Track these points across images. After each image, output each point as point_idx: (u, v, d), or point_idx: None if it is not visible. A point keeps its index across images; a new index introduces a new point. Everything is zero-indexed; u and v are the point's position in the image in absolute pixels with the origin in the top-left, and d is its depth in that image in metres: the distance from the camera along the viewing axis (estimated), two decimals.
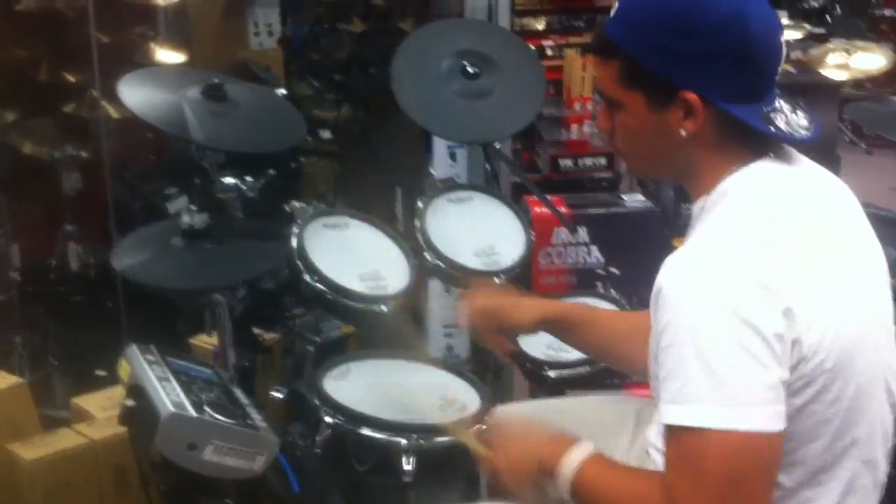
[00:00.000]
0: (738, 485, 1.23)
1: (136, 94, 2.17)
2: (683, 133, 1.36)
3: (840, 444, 1.34)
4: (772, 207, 1.34)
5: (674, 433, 1.27)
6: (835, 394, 1.30)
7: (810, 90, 3.38)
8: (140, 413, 1.82)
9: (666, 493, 1.27)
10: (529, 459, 1.48)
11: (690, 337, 1.24)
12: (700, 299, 1.25)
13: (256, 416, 1.91)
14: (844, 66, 3.80)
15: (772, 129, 1.35)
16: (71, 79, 4.00)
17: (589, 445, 1.43)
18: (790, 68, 3.64)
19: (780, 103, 1.39)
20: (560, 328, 1.83)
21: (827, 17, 4.81)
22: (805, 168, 1.44)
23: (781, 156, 1.41)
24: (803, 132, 1.38)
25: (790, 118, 1.38)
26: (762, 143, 1.39)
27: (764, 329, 1.22)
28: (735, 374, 1.22)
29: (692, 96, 1.34)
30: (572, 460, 1.40)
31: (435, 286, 2.85)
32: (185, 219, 2.14)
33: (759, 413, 1.22)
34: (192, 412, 1.77)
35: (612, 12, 1.42)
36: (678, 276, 1.29)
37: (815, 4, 4.89)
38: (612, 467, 1.41)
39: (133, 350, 1.96)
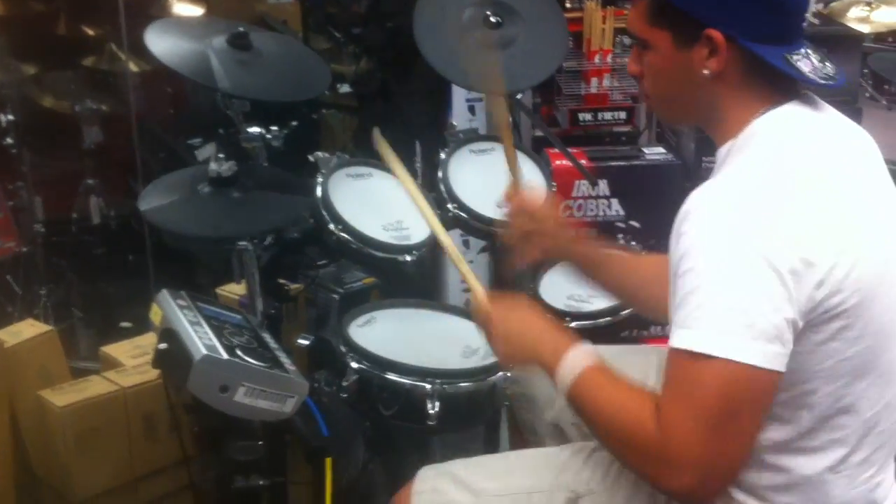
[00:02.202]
0: (730, 416, 1.25)
1: (161, 43, 2.18)
2: (706, 72, 1.38)
3: (860, 384, 1.36)
4: (799, 150, 1.36)
5: (677, 356, 1.28)
6: (857, 332, 1.32)
7: (833, 41, 3.35)
8: (173, 357, 1.85)
9: (658, 414, 1.29)
10: (528, 347, 1.52)
11: (708, 265, 1.26)
12: (722, 230, 1.27)
13: (286, 360, 1.95)
14: (866, 20, 3.78)
15: (796, 71, 1.36)
16: (90, 32, 4.01)
17: (590, 349, 1.45)
18: (813, 19, 3.62)
19: (808, 51, 1.40)
20: (588, 262, 1.85)
21: None
22: (830, 114, 1.46)
23: (807, 101, 1.42)
24: (828, 80, 1.39)
25: (816, 66, 1.39)
26: (787, 88, 1.40)
27: (782, 267, 1.24)
28: (745, 307, 1.24)
29: (716, 34, 1.35)
30: (575, 365, 1.42)
31: (455, 238, 2.87)
32: (213, 166, 2.16)
33: (762, 349, 1.24)
34: (224, 355, 1.80)
35: None
36: (703, 206, 1.30)
37: None
38: (611, 379, 1.41)
39: (164, 295, 1.99)
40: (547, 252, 1.85)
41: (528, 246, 1.84)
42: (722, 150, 1.43)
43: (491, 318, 1.60)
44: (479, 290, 1.68)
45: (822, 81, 1.38)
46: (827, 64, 1.42)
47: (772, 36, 1.37)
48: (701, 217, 1.29)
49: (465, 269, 1.75)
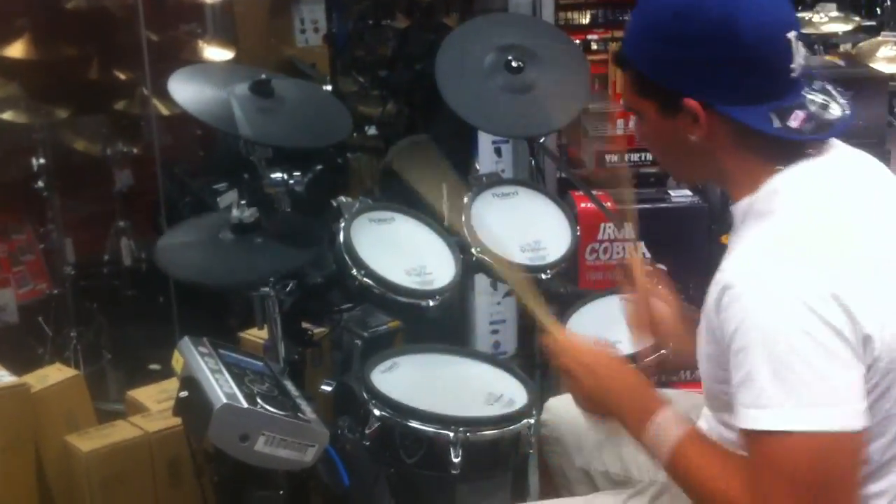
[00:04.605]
0: (829, 486, 1.23)
1: (185, 91, 2.21)
2: (693, 139, 1.37)
3: None
4: (828, 208, 1.33)
5: (757, 439, 1.26)
6: None
7: (859, 83, 3.32)
8: (194, 404, 1.85)
9: (752, 492, 1.26)
10: (613, 403, 1.48)
11: (766, 338, 1.24)
12: (775, 300, 1.24)
13: (307, 408, 1.94)
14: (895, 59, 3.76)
15: (783, 129, 1.34)
16: (121, 76, 4.07)
17: (679, 413, 1.41)
18: (839, 61, 3.59)
19: (809, 97, 1.38)
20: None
21: (877, 8, 4.74)
22: (848, 160, 1.41)
23: (823, 150, 1.39)
24: (826, 128, 1.36)
25: (817, 112, 1.36)
26: (793, 142, 1.36)
27: (843, 327, 1.22)
28: (816, 373, 1.21)
29: (692, 103, 1.35)
30: (669, 435, 1.38)
31: (481, 281, 2.87)
32: (235, 213, 2.18)
33: (841, 412, 1.22)
34: (244, 403, 1.80)
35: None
36: (748, 275, 1.28)
37: None
38: (704, 450, 1.38)
39: (186, 342, 2.00)
40: None
41: None
42: (740, 206, 1.41)
43: (575, 367, 1.54)
44: (559, 331, 1.64)
45: (813, 136, 1.35)
46: (833, 105, 1.39)
47: (752, 95, 1.35)
48: (744, 290, 1.27)
49: (542, 312, 1.70)
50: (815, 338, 1.22)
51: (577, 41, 3.45)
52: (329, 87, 4.42)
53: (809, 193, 1.34)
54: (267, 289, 2.11)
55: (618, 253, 3.07)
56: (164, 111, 3.76)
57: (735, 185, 1.41)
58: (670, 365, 2.00)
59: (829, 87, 1.42)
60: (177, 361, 1.98)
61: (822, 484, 1.23)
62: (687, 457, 1.37)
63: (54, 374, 2.63)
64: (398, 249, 2.27)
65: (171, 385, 2.58)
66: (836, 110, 1.39)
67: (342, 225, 2.23)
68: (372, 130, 4.35)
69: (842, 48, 4.19)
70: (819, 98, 1.39)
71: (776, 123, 1.34)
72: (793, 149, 1.37)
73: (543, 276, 2.29)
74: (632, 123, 3.32)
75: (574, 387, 1.55)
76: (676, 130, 1.39)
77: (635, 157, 3.50)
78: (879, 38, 3.92)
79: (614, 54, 1.44)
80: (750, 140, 1.37)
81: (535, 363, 2.54)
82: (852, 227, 1.32)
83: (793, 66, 1.35)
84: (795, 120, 1.35)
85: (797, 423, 1.21)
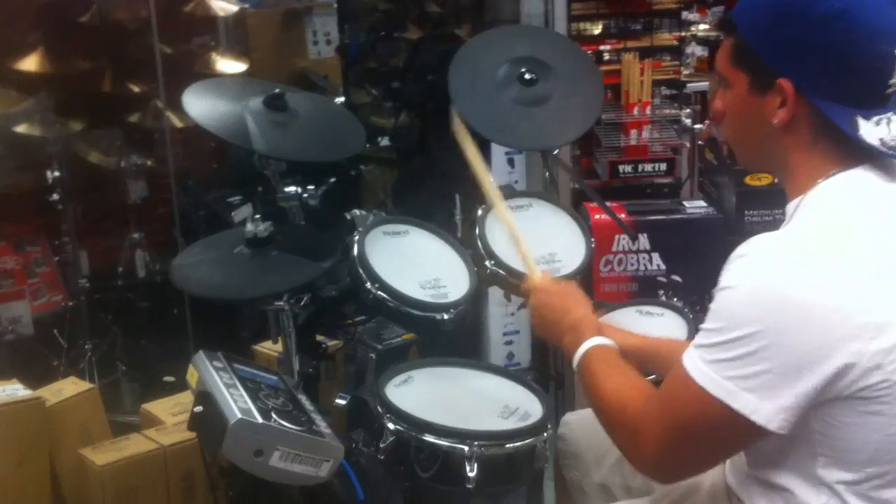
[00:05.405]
0: (691, 436, 1.34)
1: (199, 105, 2.21)
2: (775, 122, 1.37)
3: None
4: (854, 223, 1.32)
5: (680, 365, 1.34)
6: None
7: None
8: (208, 419, 1.85)
9: (644, 407, 1.40)
10: (556, 331, 1.70)
11: (734, 305, 1.28)
12: (760, 285, 1.26)
13: (322, 423, 1.94)
14: None
15: (860, 136, 1.33)
16: (135, 89, 4.09)
17: (608, 340, 1.61)
18: None
19: (893, 117, 1.37)
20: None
21: None
22: None
23: (882, 166, 1.38)
24: None
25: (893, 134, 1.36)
26: (863, 150, 1.36)
27: (819, 330, 1.23)
28: (749, 358, 1.26)
29: (787, 84, 1.35)
30: (589, 342, 1.59)
31: (495, 294, 2.86)
32: (249, 227, 2.18)
33: (746, 398, 1.26)
34: (258, 419, 1.80)
35: None
36: (750, 249, 1.30)
37: None
38: (615, 363, 1.56)
39: (201, 357, 2.00)
40: None
41: None
42: (790, 206, 1.41)
43: (534, 295, 1.79)
44: (537, 272, 1.88)
45: (888, 151, 1.34)
46: None
47: (844, 95, 1.34)
48: (743, 258, 1.29)
49: (525, 248, 1.95)
50: (772, 328, 1.24)
51: (590, 52, 3.45)
52: (342, 99, 4.43)
53: (845, 204, 1.34)
54: (282, 303, 2.11)
55: (632, 265, 3.06)
56: (178, 123, 3.78)
57: (793, 181, 1.41)
58: None
59: None
60: (191, 376, 1.98)
61: (690, 433, 1.34)
62: (599, 360, 1.56)
63: (69, 387, 2.64)
64: (412, 262, 2.27)
65: (186, 398, 2.59)
66: None
67: (356, 238, 2.22)
68: (385, 141, 4.35)
69: None
70: None
71: (856, 129, 1.34)
72: (858, 159, 1.37)
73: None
74: (648, 111, 3.39)
75: (534, 319, 1.78)
76: (760, 109, 1.39)
77: (648, 167, 3.49)
78: None
79: (722, 18, 1.47)
80: (825, 139, 1.37)
81: (550, 375, 2.53)
82: (870, 249, 1.30)
83: (891, 81, 1.35)
84: (876, 132, 1.34)
85: (707, 381, 1.29)
